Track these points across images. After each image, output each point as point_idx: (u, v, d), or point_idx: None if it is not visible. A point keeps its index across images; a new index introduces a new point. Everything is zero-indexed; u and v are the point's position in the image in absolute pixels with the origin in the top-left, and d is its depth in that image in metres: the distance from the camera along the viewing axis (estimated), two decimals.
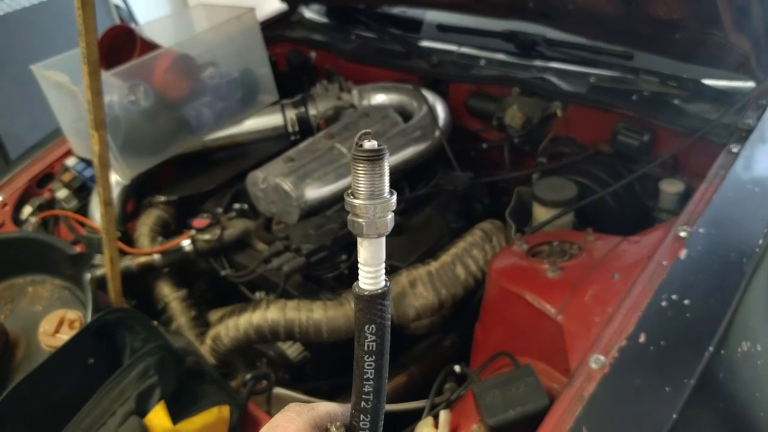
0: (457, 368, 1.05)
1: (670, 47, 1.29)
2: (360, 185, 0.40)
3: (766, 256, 0.97)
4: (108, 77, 1.43)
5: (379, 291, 0.44)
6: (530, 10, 1.39)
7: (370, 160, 0.40)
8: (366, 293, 0.44)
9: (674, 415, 0.75)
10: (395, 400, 1.21)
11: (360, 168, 0.40)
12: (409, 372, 1.34)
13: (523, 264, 1.08)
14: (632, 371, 0.81)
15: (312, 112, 1.64)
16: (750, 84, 1.29)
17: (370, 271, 0.43)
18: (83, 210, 1.60)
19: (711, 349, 0.82)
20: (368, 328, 0.45)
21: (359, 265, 0.44)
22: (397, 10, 1.97)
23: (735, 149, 1.15)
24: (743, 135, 1.18)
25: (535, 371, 0.92)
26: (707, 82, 1.36)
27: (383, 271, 0.44)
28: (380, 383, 0.48)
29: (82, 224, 1.55)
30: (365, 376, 0.47)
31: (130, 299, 1.53)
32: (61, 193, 1.60)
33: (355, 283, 0.45)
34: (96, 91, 1.06)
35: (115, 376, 0.93)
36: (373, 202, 0.41)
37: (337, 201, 1.37)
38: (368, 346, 0.46)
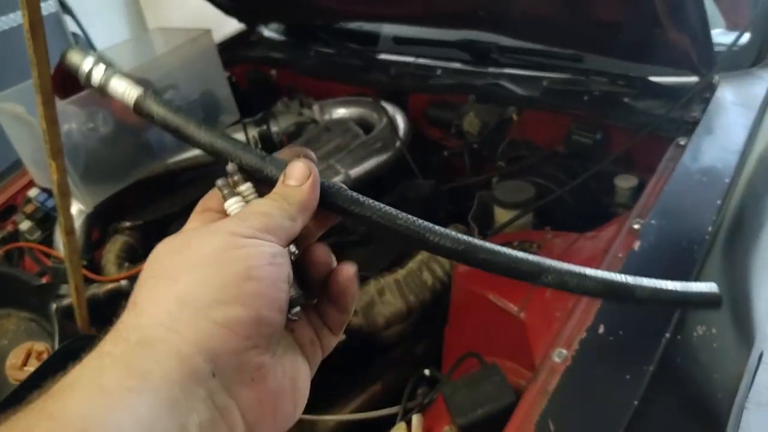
0: (426, 372, 1.07)
1: (615, 48, 1.33)
2: None
3: (716, 242, 1.01)
4: (65, 105, 1.43)
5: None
6: (481, 19, 1.43)
7: None
8: None
9: (636, 402, 0.77)
10: (373, 409, 1.22)
11: None
12: (384, 380, 1.35)
13: None
14: (593, 362, 0.83)
15: (274, 129, 1.65)
16: (694, 79, 1.34)
17: None
18: (48, 240, 1.58)
19: (667, 335, 0.85)
20: None
21: None
22: (353, 24, 2.00)
23: (682, 142, 1.19)
24: (690, 128, 1.23)
25: (501, 369, 0.94)
26: (654, 79, 1.41)
27: None
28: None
29: (48, 255, 1.53)
30: None
31: (100, 327, 1.52)
32: (24, 225, 1.59)
33: None
34: (51, 120, 1.06)
35: None
36: None
37: None
38: None
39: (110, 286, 1.41)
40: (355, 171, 1.45)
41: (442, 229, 0.46)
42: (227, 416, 0.38)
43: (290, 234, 0.43)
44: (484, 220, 1.36)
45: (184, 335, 0.37)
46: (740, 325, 1.04)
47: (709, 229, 1.00)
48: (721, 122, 1.24)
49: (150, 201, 1.62)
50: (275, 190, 0.45)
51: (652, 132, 1.27)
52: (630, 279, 0.49)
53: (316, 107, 1.68)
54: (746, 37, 1.48)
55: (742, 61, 1.45)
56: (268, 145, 1.65)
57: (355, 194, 0.46)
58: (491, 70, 1.62)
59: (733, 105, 1.30)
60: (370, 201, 0.46)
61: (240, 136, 1.65)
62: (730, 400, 0.89)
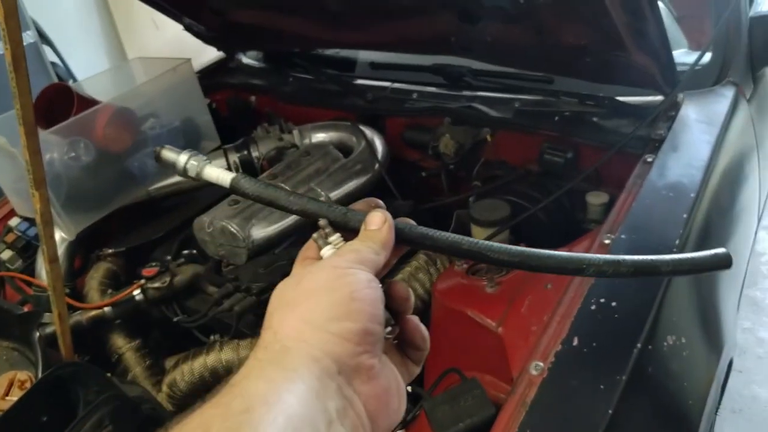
0: (409, 389, 1.08)
1: (583, 70, 1.38)
2: None
3: None
4: (47, 135, 1.44)
5: None
6: (453, 45, 1.48)
7: None
8: None
9: (610, 411, 0.80)
10: None
11: None
12: None
13: (464, 282, 1.13)
14: (569, 373, 0.86)
15: (255, 154, 1.68)
16: (659, 97, 1.39)
17: None
18: (29, 269, 1.58)
19: (639, 345, 0.88)
20: None
21: None
22: (330, 51, 2.04)
23: (650, 159, 1.24)
24: (656, 145, 1.28)
25: (481, 383, 0.96)
26: (621, 98, 1.46)
27: None
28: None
29: (29, 284, 1.53)
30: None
31: (84, 354, 1.52)
32: (5, 254, 1.59)
33: None
34: (34, 151, 1.07)
35: (69, 429, 0.94)
36: None
37: (284, 238, 1.40)
38: None
39: (93, 313, 1.41)
40: (336, 193, 1.48)
41: (500, 246, 0.57)
42: (353, 405, 0.49)
43: (377, 264, 0.54)
44: None
45: (311, 343, 0.48)
46: (709, 334, 1.08)
47: (677, 242, 1.04)
48: (685, 139, 1.29)
49: (132, 227, 1.63)
50: (360, 235, 0.56)
51: (620, 150, 1.31)
52: (655, 258, 0.57)
53: (295, 132, 1.71)
54: (708, 57, 1.55)
55: (704, 80, 1.51)
56: (249, 170, 1.67)
57: (425, 229, 0.57)
58: (465, 93, 1.66)
59: (697, 122, 1.35)
60: (438, 233, 0.57)
61: (221, 161, 1.67)
62: (701, 407, 0.92)
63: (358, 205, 0.60)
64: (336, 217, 0.57)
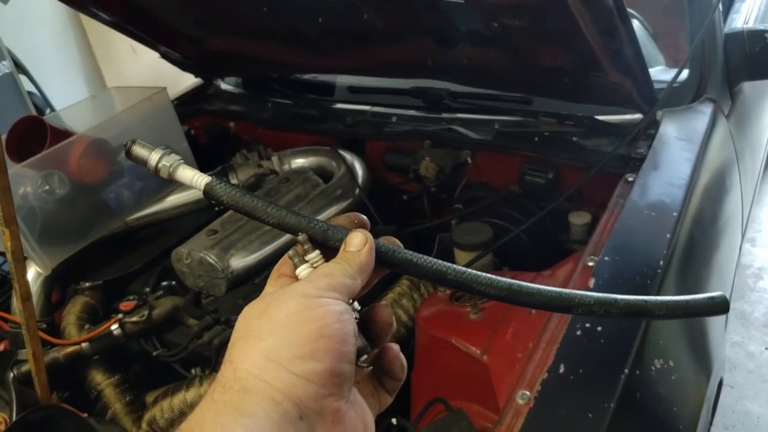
0: (394, 421, 1.06)
1: (561, 90, 1.38)
2: None
3: (668, 275, 1.03)
4: (20, 169, 1.42)
5: None
6: (431, 68, 1.47)
7: None
8: None
9: None
10: None
11: None
12: None
13: (447, 309, 1.11)
14: (556, 402, 0.84)
15: (233, 181, 1.66)
16: (638, 116, 1.39)
17: None
18: (6, 304, 1.55)
19: (626, 370, 0.86)
20: None
21: None
22: (309, 76, 2.03)
23: (630, 178, 1.23)
24: (637, 164, 1.27)
25: (467, 414, 0.94)
26: (600, 117, 1.46)
27: None
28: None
29: (6, 320, 1.49)
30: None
31: (62, 391, 1.48)
32: None
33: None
34: (4, 188, 1.05)
35: None
36: None
37: (264, 268, 1.37)
38: None
39: (71, 349, 1.37)
40: None
41: (487, 278, 0.54)
42: None
43: (352, 290, 0.51)
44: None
45: (273, 385, 0.45)
46: (697, 355, 1.06)
47: (661, 263, 1.03)
48: (665, 157, 1.29)
49: (110, 259, 1.60)
50: (338, 256, 0.53)
51: (601, 169, 1.31)
52: (648, 300, 0.55)
53: (275, 158, 1.70)
54: (685, 74, 1.55)
55: (682, 97, 1.50)
56: None
57: (409, 254, 0.54)
58: (444, 115, 1.66)
59: (677, 140, 1.35)
60: (422, 258, 0.54)
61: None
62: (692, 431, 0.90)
63: (340, 220, 0.57)
64: (315, 233, 0.54)
